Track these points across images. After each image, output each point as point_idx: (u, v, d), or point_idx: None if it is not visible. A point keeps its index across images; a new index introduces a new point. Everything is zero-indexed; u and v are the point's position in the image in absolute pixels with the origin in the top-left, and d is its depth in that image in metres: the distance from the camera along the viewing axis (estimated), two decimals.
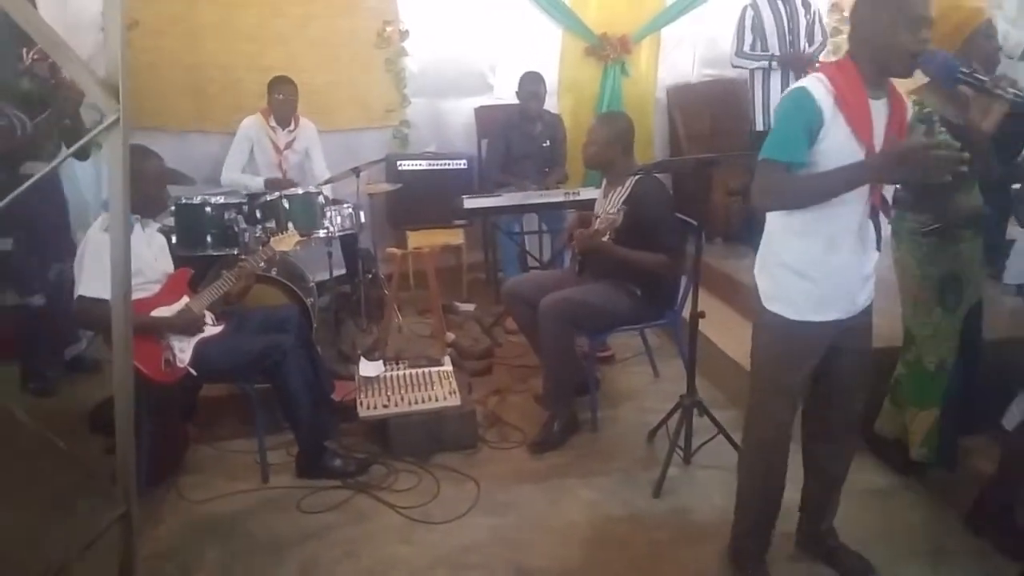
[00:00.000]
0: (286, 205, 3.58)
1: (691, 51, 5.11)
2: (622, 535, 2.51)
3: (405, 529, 2.54)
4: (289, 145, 4.15)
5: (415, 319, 4.33)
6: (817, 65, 3.47)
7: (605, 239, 2.96)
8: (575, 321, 2.99)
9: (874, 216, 1.92)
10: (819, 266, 1.92)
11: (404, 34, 4.72)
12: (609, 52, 4.89)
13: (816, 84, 1.83)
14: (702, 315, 2.77)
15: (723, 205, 4.53)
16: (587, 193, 3.95)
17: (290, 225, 3.30)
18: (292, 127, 4.15)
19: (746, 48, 4.17)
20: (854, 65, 1.84)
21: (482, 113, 4.84)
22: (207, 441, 3.04)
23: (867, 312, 2.07)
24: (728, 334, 3.45)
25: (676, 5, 4.94)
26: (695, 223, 2.81)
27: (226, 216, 3.47)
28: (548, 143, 4.47)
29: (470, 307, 4.46)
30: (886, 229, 2.01)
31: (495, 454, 3.00)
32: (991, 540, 2.36)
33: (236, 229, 3.46)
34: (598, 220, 3.14)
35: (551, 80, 4.75)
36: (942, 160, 1.67)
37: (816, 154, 1.84)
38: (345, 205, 3.84)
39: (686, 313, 2.86)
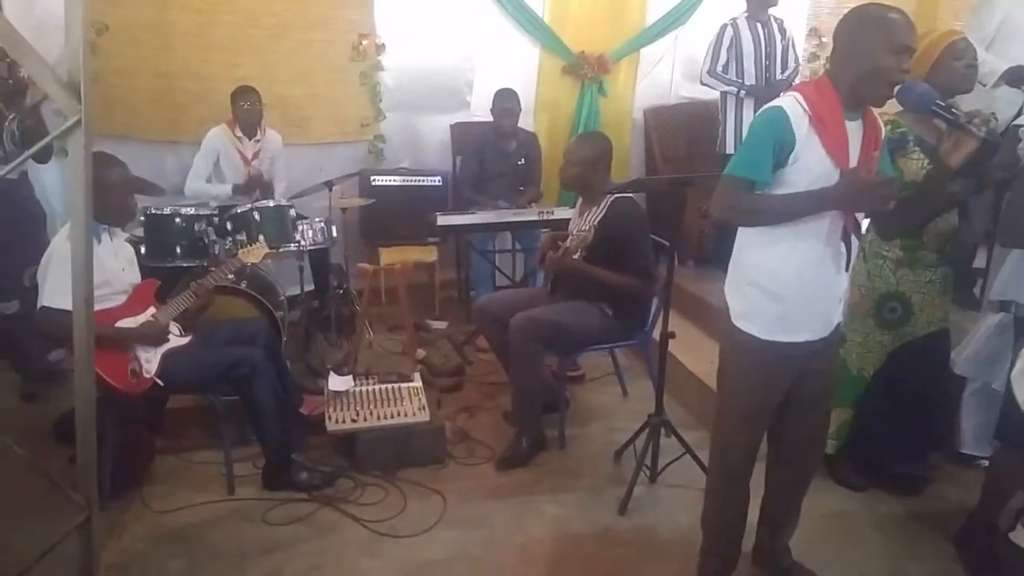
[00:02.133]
0: (257, 217, 3.56)
1: (669, 72, 5.17)
2: (587, 552, 2.52)
3: (371, 542, 2.53)
4: (256, 155, 4.13)
5: (386, 336, 4.32)
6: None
7: (575, 256, 2.99)
8: (545, 340, 3.00)
9: (846, 238, 1.93)
10: (790, 286, 1.93)
11: (380, 48, 4.72)
12: (587, 71, 4.92)
13: (793, 104, 1.84)
14: (672, 336, 2.80)
15: (696, 227, 4.58)
16: (561, 212, 3.98)
17: (261, 237, 3.29)
18: (259, 137, 4.13)
19: (719, 68, 4.20)
20: (832, 86, 1.85)
21: (457, 130, 4.86)
22: (173, 452, 3.00)
23: (836, 332, 2.09)
24: (697, 355, 3.48)
25: (656, 25, 4.98)
26: (667, 244, 2.85)
27: (196, 227, 3.44)
28: (523, 161, 4.51)
29: (442, 325, 4.45)
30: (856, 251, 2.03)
31: (463, 470, 2.99)
32: (966, 560, 2.40)
33: (206, 240, 3.43)
34: (570, 238, 3.17)
35: (528, 98, 4.79)
36: (885, 195, 1.78)
37: (790, 173, 1.85)
38: (317, 219, 3.83)
39: (656, 334, 2.88)
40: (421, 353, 3.82)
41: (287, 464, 2.78)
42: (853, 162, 1.86)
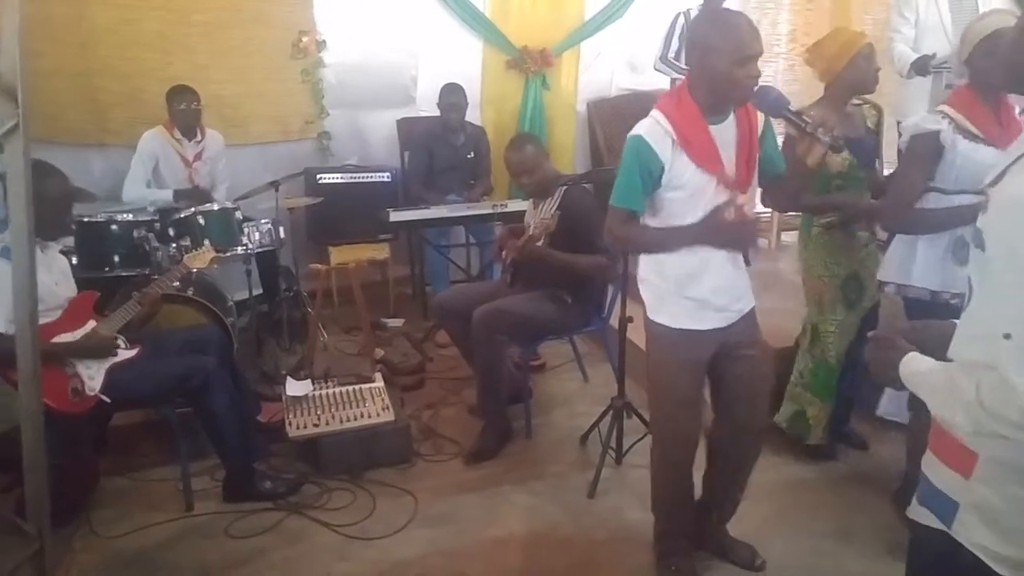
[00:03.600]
0: (201, 221, 3.44)
1: (609, 65, 5.24)
2: (560, 537, 2.54)
3: (342, 547, 2.48)
4: (198, 156, 3.99)
5: (341, 337, 4.24)
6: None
7: (539, 244, 2.99)
8: (509, 331, 3.00)
9: None
10: (693, 281, 2.00)
11: (321, 44, 4.63)
12: (530, 65, 4.94)
13: (653, 128, 1.91)
14: (630, 320, 2.82)
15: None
16: (515, 205, 3.98)
17: (206, 242, 3.19)
18: (199, 138, 3.99)
19: (671, 55, 4.28)
20: (691, 97, 1.91)
21: (404, 125, 4.80)
22: (121, 472, 2.86)
23: (749, 318, 2.14)
24: None
25: (594, 20, 5.05)
26: None
27: (135, 234, 3.29)
28: (472, 155, 4.49)
29: (398, 322, 4.40)
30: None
31: (431, 467, 2.96)
32: (901, 514, 2.51)
33: (147, 247, 3.29)
34: (531, 227, 3.17)
35: (474, 92, 4.77)
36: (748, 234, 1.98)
37: (668, 191, 1.94)
38: (263, 221, 3.73)
39: (613, 320, 2.90)
40: (379, 353, 3.77)
41: (249, 474, 2.70)
42: (728, 164, 1.94)
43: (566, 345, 3.71)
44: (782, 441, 2.93)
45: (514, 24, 4.91)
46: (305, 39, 4.60)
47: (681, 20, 4.27)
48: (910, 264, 2.34)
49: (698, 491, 2.33)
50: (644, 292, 2.12)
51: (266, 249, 3.77)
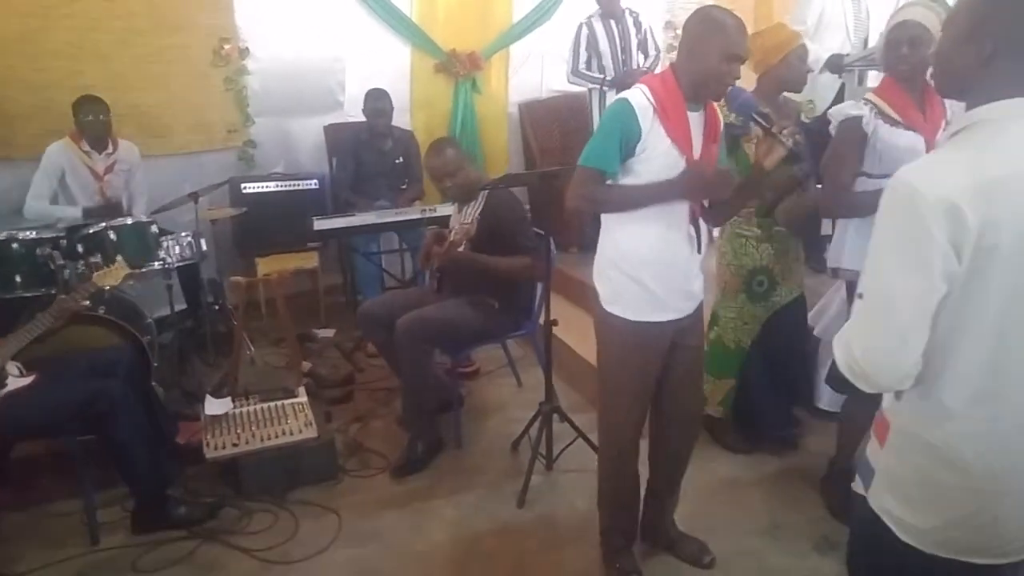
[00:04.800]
0: (113, 236, 3.28)
1: (539, 67, 5.22)
2: (489, 549, 2.48)
3: (261, 573, 2.38)
4: (110, 169, 3.80)
5: (269, 350, 4.11)
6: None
7: (461, 249, 2.93)
8: (434, 339, 2.94)
9: (694, 221, 2.03)
10: (648, 269, 2.01)
11: (244, 51, 4.52)
12: (459, 68, 4.90)
13: (638, 96, 1.93)
14: (555, 323, 2.82)
15: (577, 215, 4.62)
16: (444, 209, 3.88)
17: (119, 258, 3.03)
18: (110, 150, 3.81)
19: (581, 66, 4.30)
20: (675, 79, 1.95)
21: (331, 131, 4.70)
22: (21, 507, 2.68)
23: (699, 308, 2.18)
24: (585, 339, 3.44)
25: (522, 23, 5.03)
26: (542, 232, 2.84)
27: (39, 252, 3.11)
28: (401, 160, 4.40)
29: (329, 333, 4.29)
30: (707, 233, 2.14)
31: (357, 483, 2.88)
32: (829, 504, 2.58)
33: (52, 266, 3.11)
34: (452, 232, 3.11)
35: (403, 97, 4.72)
36: (723, 185, 1.95)
37: (638, 162, 1.94)
38: (183, 233, 3.59)
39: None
40: (307, 365, 3.67)
41: (161, 501, 2.57)
42: (696, 151, 1.96)
43: (500, 350, 3.65)
44: (711, 440, 2.94)
45: (442, 28, 4.86)
46: (227, 46, 4.49)
47: (584, 30, 4.28)
48: (842, 247, 2.41)
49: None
50: (600, 284, 2.12)
51: (187, 263, 3.62)
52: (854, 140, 2.30)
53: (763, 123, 1.95)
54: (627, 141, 1.92)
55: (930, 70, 2.15)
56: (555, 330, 2.84)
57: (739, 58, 1.90)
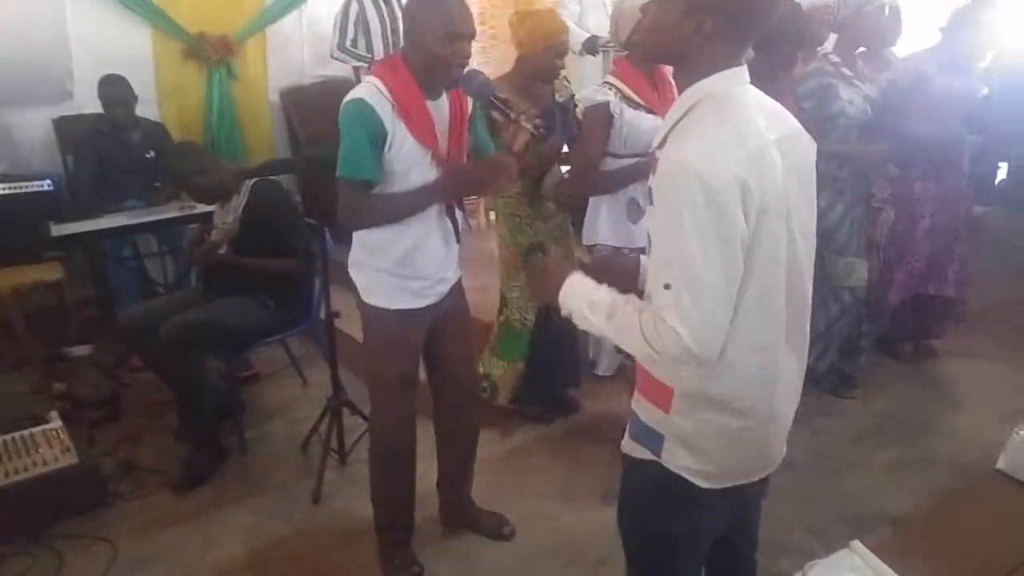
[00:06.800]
0: None
1: (299, 51, 5.00)
2: (286, 551, 2.44)
3: None
4: None
5: (11, 375, 3.61)
6: None
7: (222, 251, 2.80)
8: (203, 343, 2.78)
9: (451, 213, 2.06)
10: (406, 262, 2.00)
11: None
12: (211, 53, 4.57)
13: (374, 94, 1.84)
14: (336, 315, 2.79)
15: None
16: (203, 206, 3.66)
17: None
18: None
19: (348, 43, 4.20)
20: (407, 67, 1.87)
21: (63, 125, 4.16)
22: None
23: (457, 288, 2.22)
24: None
25: (276, 4, 4.76)
26: (315, 223, 2.79)
27: None
28: (152, 154, 4.03)
29: (85, 350, 3.86)
30: (464, 221, 2.17)
31: (133, 505, 2.67)
32: None
33: None
34: (214, 232, 2.96)
35: (148, 85, 4.29)
36: (483, 178, 1.93)
37: (387, 163, 1.88)
38: None
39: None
40: (59, 388, 3.29)
41: None
42: (442, 143, 1.94)
43: (281, 350, 3.54)
44: (499, 414, 3.08)
45: (187, 9, 4.46)
46: None
47: (355, 6, 4.21)
48: (596, 224, 2.58)
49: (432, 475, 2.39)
50: (356, 276, 2.08)
51: None
52: (600, 123, 2.47)
53: (503, 109, 1.93)
54: (375, 141, 1.83)
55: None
56: (338, 322, 2.81)
57: (464, 37, 1.81)
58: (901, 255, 3.26)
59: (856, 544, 1.71)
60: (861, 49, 3.00)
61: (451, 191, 1.99)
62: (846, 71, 2.91)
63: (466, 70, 1.90)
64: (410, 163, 1.90)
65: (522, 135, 1.96)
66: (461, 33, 1.81)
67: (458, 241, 2.10)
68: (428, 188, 1.94)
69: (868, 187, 3.11)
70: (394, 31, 4.28)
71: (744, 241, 1.14)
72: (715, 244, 1.11)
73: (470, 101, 2.04)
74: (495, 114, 2.01)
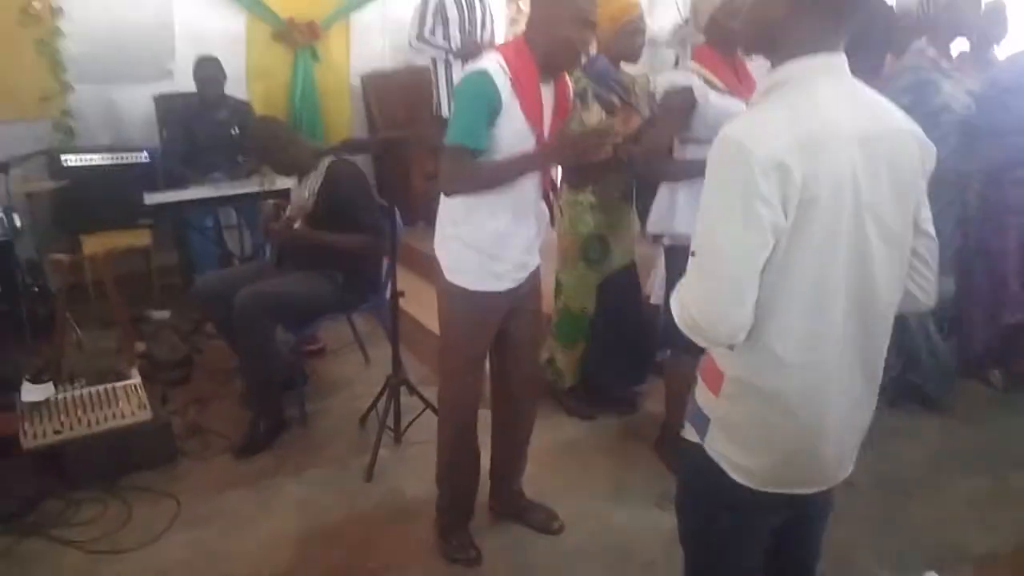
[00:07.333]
0: None
1: (380, 38, 5.13)
2: (335, 525, 2.49)
3: (87, 565, 2.27)
4: None
5: (99, 333, 3.84)
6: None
7: (297, 226, 2.89)
8: (273, 313, 2.87)
9: (546, 197, 2.07)
10: (494, 242, 2.01)
11: (57, 12, 4.14)
12: (298, 37, 4.74)
13: (495, 67, 1.87)
14: (401, 294, 2.84)
15: (422, 189, 4.62)
16: (283, 182, 3.78)
17: None
18: None
19: (427, 33, 4.24)
20: (529, 50, 1.92)
21: (162, 102, 4.40)
22: None
23: (535, 275, 2.22)
24: (433, 312, 3.48)
25: None
26: (387, 204, 2.85)
27: None
28: (236, 131, 4.20)
29: (165, 314, 4.08)
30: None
31: (197, 465, 2.79)
32: (667, 462, 2.71)
33: None
34: (290, 208, 3.05)
35: (239, 66, 4.52)
36: (594, 144, 1.90)
37: (491, 139, 1.89)
38: None
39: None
40: (140, 347, 3.48)
41: None
42: (546, 126, 1.97)
43: (347, 327, 3.62)
44: (555, 407, 3.07)
45: None
46: (38, 5, 4.09)
47: None
48: (672, 212, 2.48)
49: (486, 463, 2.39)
50: (442, 253, 2.10)
51: None
52: (680, 109, 2.35)
53: (620, 92, 1.95)
54: (492, 112, 1.86)
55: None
56: (402, 303, 2.86)
57: (591, 24, 1.89)
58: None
59: None
60: (963, 50, 2.82)
61: (555, 157, 1.98)
62: (944, 64, 2.74)
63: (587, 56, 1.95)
64: (515, 141, 1.91)
65: (635, 118, 1.94)
66: (591, 20, 1.89)
67: (552, 225, 2.10)
68: (535, 153, 1.94)
69: (963, 193, 2.93)
70: (471, 21, 4.28)
71: (778, 226, 1.09)
72: (740, 218, 1.09)
73: (570, 92, 2.06)
74: (613, 97, 1.99)
